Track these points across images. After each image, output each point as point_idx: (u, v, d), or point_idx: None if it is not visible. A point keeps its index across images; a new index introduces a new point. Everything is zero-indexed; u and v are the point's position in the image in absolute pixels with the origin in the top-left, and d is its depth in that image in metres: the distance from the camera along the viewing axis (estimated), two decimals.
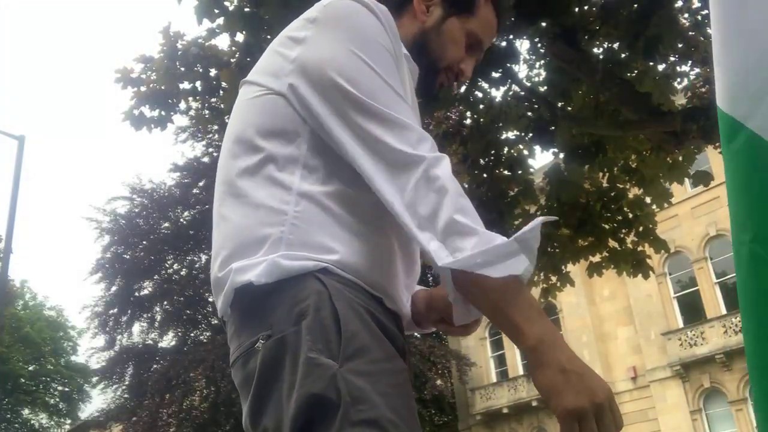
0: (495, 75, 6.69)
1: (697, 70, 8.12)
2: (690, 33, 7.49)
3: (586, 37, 6.33)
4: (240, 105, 1.15)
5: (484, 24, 1.27)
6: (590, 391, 0.88)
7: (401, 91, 1.06)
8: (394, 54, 1.09)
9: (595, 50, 6.78)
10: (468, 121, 7.88)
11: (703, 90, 8.11)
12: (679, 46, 7.31)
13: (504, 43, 6.39)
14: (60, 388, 34.03)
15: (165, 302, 22.19)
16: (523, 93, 7.17)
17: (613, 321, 21.49)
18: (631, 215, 7.50)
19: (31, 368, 32.34)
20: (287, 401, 0.90)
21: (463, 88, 7.26)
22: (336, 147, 1.04)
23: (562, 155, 7.28)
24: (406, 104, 1.06)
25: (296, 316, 0.94)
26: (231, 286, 1.00)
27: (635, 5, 5.69)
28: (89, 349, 23.48)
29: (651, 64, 6.61)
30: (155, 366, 21.23)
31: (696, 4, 7.03)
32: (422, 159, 0.98)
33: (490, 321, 0.97)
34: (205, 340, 22.00)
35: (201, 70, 6.66)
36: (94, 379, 23.00)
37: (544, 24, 6.03)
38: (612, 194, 7.50)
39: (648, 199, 7.56)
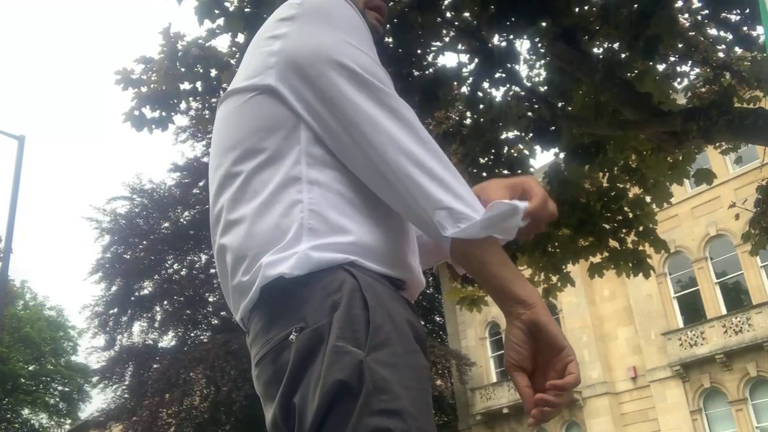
0: (495, 75, 6.70)
1: (698, 70, 8.12)
2: (690, 33, 7.50)
3: (586, 37, 6.34)
4: (228, 116, 1.14)
5: None
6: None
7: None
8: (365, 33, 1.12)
9: (595, 50, 6.78)
10: (468, 121, 7.88)
11: (703, 90, 8.10)
12: (679, 46, 7.32)
13: (504, 43, 6.40)
14: (60, 388, 34.03)
15: (165, 302, 22.20)
16: (523, 93, 7.17)
17: (613, 321, 21.49)
18: (631, 215, 7.50)
19: (31, 368, 32.33)
20: (314, 388, 0.91)
21: (463, 88, 7.27)
22: (340, 129, 1.04)
23: (562, 155, 7.28)
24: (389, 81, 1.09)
25: (329, 307, 0.95)
26: (262, 281, 1.00)
27: (635, 5, 5.69)
28: (89, 349, 23.50)
29: (651, 64, 6.61)
30: (155, 366, 21.22)
31: (696, 4, 7.04)
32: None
33: (479, 279, 1.01)
34: (205, 340, 22.01)
35: (201, 71, 6.67)
36: (94, 379, 23.00)
37: (544, 24, 6.04)
38: (612, 194, 7.50)
39: (648, 199, 7.56)
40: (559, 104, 7.01)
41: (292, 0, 1.12)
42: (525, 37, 6.58)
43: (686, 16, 7.30)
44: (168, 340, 23.56)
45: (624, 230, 7.51)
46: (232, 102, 1.14)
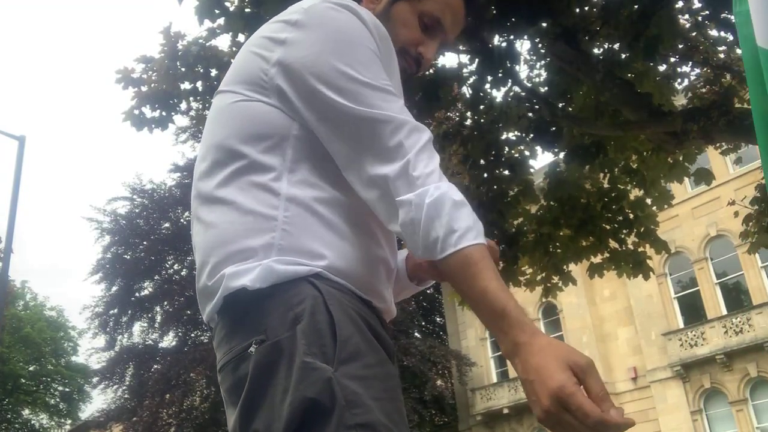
0: (496, 75, 6.69)
1: (698, 70, 8.12)
2: (690, 33, 7.49)
3: (587, 37, 6.33)
4: (218, 112, 1.13)
5: (443, 2, 1.25)
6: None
7: (390, 87, 1.06)
8: (381, 54, 1.09)
9: (596, 51, 6.77)
10: (468, 122, 7.88)
11: (704, 90, 8.10)
12: (680, 46, 7.31)
13: (504, 44, 6.39)
14: (60, 388, 34.01)
15: (165, 302, 22.19)
16: (523, 93, 7.16)
17: (613, 321, 21.48)
18: (631, 215, 7.50)
19: (31, 368, 32.32)
20: (280, 405, 0.89)
21: (464, 89, 7.26)
22: (328, 148, 1.05)
23: (562, 155, 7.28)
24: (396, 99, 1.06)
25: (291, 320, 0.94)
26: (224, 291, 0.99)
27: (635, 6, 5.69)
28: (89, 350, 23.58)
29: (651, 64, 6.61)
30: (155, 366, 21.22)
31: (696, 5, 7.03)
32: (405, 154, 1.00)
33: (462, 292, 0.99)
34: (205, 340, 21.99)
35: (201, 71, 6.67)
36: (95, 380, 22.98)
37: (544, 24, 6.03)
38: (613, 195, 7.49)
39: (649, 200, 7.56)
40: (560, 105, 7.01)
41: (300, 4, 1.10)
42: (525, 37, 6.58)
43: (687, 16, 7.29)
44: (168, 341, 23.55)
45: (624, 231, 7.51)
46: (224, 99, 1.12)
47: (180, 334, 23.25)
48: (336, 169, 1.04)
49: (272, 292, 0.96)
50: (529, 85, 7.35)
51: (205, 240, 1.06)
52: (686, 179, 7.59)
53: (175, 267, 23.85)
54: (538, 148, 7.57)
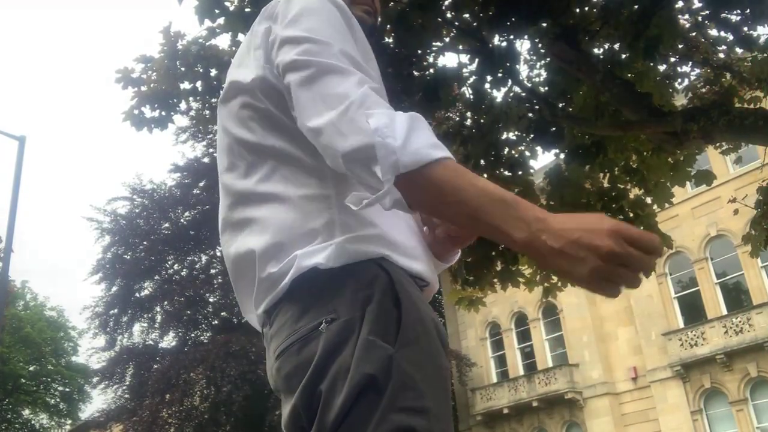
0: (496, 75, 6.69)
1: (698, 70, 8.12)
2: (691, 33, 7.50)
3: (587, 37, 6.33)
4: (230, 113, 1.14)
5: None
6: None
7: (353, 51, 1.05)
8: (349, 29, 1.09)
9: (596, 51, 6.77)
10: (468, 122, 7.88)
11: (704, 90, 8.10)
12: (680, 46, 7.31)
13: (504, 44, 6.39)
14: (60, 388, 34.03)
15: (165, 302, 22.19)
16: (523, 93, 7.16)
17: (613, 321, 21.48)
18: (632, 215, 7.49)
19: (31, 368, 32.33)
20: (342, 380, 0.91)
21: (464, 89, 7.26)
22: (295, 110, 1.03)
23: (562, 156, 7.28)
24: (358, 58, 1.04)
25: (361, 300, 0.95)
26: (296, 271, 0.99)
27: (635, 6, 5.69)
28: (90, 350, 23.58)
29: (651, 64, 6.61)
30: (155, 366, 21.23)
31: (696, 5, 7.03)
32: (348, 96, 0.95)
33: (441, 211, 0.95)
34: (205, 341, 22.01)
35: (201, 70, 6.67)
36: (95, 380, 22.99)
37: (544, 24, 6.03)
38: (613, 194, 7.49)
39: (649, 200, 7.55)
40: (560, 105, 7.01)
41: None
42: (525, 37, 6.58)
43: (687, 16, 7.29)
44: (168, 341, 23.58)
45: None
46: (239, 101, 1.13)
47: (180, 334, 23.26)
48: None
49: (342, 272, 0.98)
50: (529, 85, 7.35)
51: (259, 235, 1.05)
52: (687, 181, 7.57)
53: (175, 267, 23.87)
54: (539, 149, 7.57)
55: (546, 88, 7.17)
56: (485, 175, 7.51)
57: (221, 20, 5.92)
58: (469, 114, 7.82)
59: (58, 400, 34.00)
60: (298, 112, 1.00)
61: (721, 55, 7.79)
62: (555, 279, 7.90)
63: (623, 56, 6.41)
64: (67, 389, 33.81)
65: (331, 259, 0.98)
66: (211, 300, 22.86)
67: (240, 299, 1.14)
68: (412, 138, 0.90)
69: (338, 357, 0.92)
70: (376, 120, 0.90)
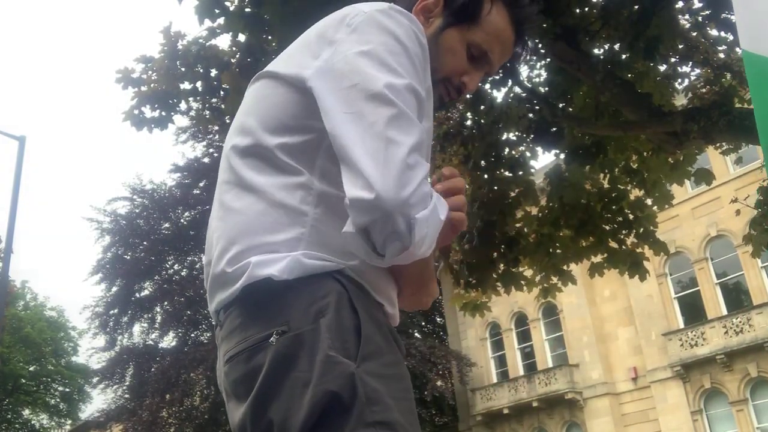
0: (496, 76, 6.69)
1: (698, 70, 8.11)
2: (691, 34, 7.49)
3: (587, 37, 6.33)
4: (256, 95, 1.12)
5: (492, 34, 1.22)
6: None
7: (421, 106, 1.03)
8: (422, 71, 1.06)
9: (596, 51, 6.77)
10: (469, 122, 7.88)
11: (704, 90, 8.09)
12: (680, 46, 7.31)
13: None
14: (60, 388, 34.04)
15: (165, 303, 22.20)
16: (524, 94, 7.16)
17: (613, 321, 21.48)
18: (631, 216, 7.49)
19: (31, 368, 32.34)
20: (300, 398, 0.90)
21: None
22: (334, 140, 0.99)
23: (563, 156, 7.28)
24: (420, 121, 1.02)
25: (315, 313, 0.94)
26: (248, 279, 0.98)
27: (636, 6, 5.69)
28: (90, 350, 23.60)
29: (651, 64, 6.61)
30: (156, 366, 21.22)
31: (696, 5, 7.03)
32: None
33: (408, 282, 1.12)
34: (205, 341, 22.00)
35: (201, 71, 6.66)
36: (95, 380, 23.00)
37: (544, 25, 6.03)
38: (613, 195, 7.49)
39: (649, 201, 7.55)
40: (560, 105, 7.01)
41: (361, 6, 1.08)
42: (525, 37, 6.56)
43: (687, 16, 7.29)
44: (168, 341, 23.57)
45: (624, 231, 7.50)
46: (266, 84, 1.11)
47: (180, 334, 23.25)
48: None
49: (297, 284, 0.97)
50: (530, 85, 7.35)
51: (229, 226, 1.05)
52: (686, 179, 7.57)
53: (175, 267, 23.87)
54: (539, 149, 7.56)
55: (546, 89, 7.17)
56: (485, 176, 7.52)
57: (221, 20, 5.91)
58: (469, 114, 7.82)
59: (58, 400, 34.01)
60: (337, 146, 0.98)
61: (721, 55, 7.79)
62: (554, 279, 7.91)
63: (623, 56, 6.41)
64: (67, 389, 33.82)
65: (285, 271, 0.96)
66: None
67: (204, 279, 1.14)
68: (427, 240, 0.96)
69: (291, 372, 0.91)
70: (419, 232, 0.93)
